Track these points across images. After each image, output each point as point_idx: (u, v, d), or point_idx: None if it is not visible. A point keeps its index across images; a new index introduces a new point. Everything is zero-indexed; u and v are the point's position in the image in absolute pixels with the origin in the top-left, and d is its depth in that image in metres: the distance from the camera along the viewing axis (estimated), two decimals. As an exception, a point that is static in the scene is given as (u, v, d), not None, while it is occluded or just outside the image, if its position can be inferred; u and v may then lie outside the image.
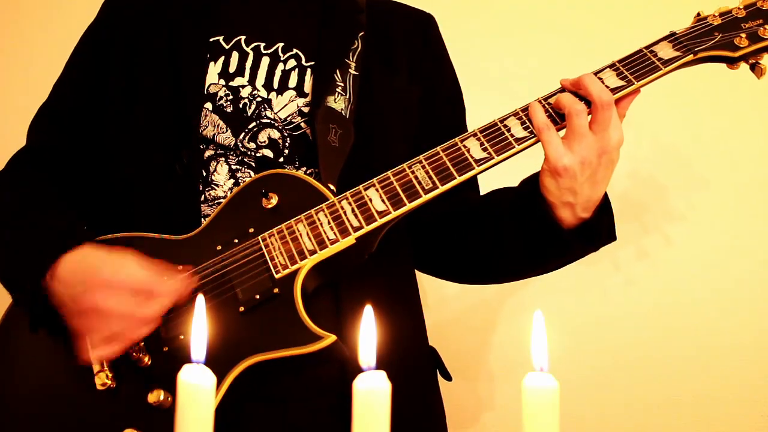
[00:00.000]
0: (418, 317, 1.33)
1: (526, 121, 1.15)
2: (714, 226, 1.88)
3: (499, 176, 1.27)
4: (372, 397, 0.57)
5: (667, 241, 1.86)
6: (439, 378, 1.36)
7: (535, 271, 1.29)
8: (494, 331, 1.91)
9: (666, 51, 1.17)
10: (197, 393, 0.59)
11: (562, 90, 1.17)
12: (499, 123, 1.16)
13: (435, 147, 1.17)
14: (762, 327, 1.83)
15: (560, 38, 1.96)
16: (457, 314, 1.89)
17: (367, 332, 0.61)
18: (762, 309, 1.83)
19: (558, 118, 1.14)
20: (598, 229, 1.17)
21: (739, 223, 1.87)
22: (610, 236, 1.19)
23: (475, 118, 1.36)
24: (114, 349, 1.06)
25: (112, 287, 1.04)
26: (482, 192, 1.41)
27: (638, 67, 1.16)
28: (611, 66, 1.17)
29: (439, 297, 1.39)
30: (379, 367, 0.59)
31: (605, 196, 1.17)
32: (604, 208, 1.18)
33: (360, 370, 0.59)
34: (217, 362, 1.04)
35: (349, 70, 1.31)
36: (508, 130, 1.15)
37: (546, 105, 1.15)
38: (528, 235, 1.18)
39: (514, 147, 1.14)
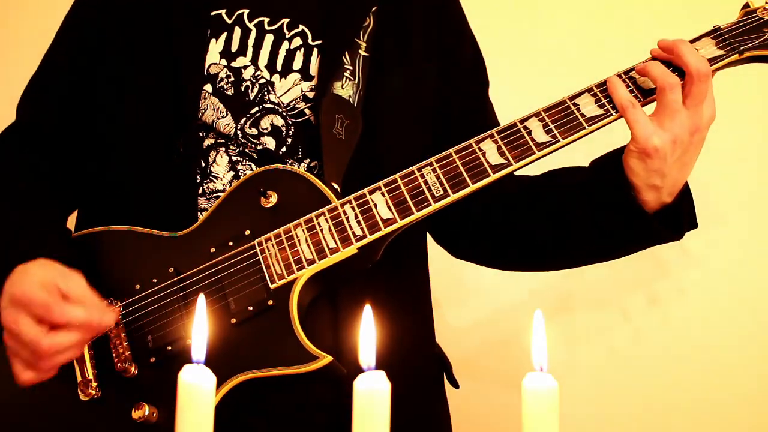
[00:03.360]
0: (425, 320, 1.26)
1: (549, 123, 1.05)
2: (729, 264, 1.77)
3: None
4: (372, 398, 0.56)
5: (671, 266, 1.76)
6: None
7: (602, 258, 1.20)
8: (494, 330, 1.85)
9: (708, 48, 1.06)
10: (198, 393, 0.58)
11: (650, 59, 1.07)
12: (519, 125, 1.06)
13: (457, 123, 1.07)
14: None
15: (575, 37, 1.83)
16: (457, 314, 1.83)
17: (367, 332, 0.60)
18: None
19: (640, 93, 1.04)
20: (680, 215, 1.07)
21: (762, 260, 1.76)
22: (691, 224, 1.10)
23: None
24: (31, 376, 0.97)
25: (16, 305, 0.96)
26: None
27: (674, 67, 1.04)
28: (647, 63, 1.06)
29: (437, 298, 1.33)
30: (380, 370, 0.57)
31: (685, 183, 1.08)
32: (684, 194, 1.08)
33: None
34: (207, 376, 0.98)
35: (359, 51, 1.21)
36: (529, 134, 1.05)
37: (627, 80, 1.05)
38: (606, 220, 1.09)
39: (534, 153, 1.04)
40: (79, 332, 0.97)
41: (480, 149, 1.06)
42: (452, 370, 1.29)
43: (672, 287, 1.76)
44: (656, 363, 1.78)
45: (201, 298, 0.66)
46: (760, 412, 1.74)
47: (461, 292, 1.36)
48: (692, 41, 1.07)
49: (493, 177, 1.04)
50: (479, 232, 1.29)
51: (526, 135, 1.05)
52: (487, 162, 1.05)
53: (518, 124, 1.06)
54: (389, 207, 1.04)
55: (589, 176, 1.13)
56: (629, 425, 1.79)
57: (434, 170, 1.05)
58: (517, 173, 1.27)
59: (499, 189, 1.20)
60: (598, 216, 1.10)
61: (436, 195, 1.04)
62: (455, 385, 1.29)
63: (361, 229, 1.04)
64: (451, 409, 1.29)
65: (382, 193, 1.05)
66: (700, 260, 1.74)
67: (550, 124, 1.05)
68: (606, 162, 1.10)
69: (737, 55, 1.05)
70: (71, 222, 1.23)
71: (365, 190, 1.06)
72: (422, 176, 1.05)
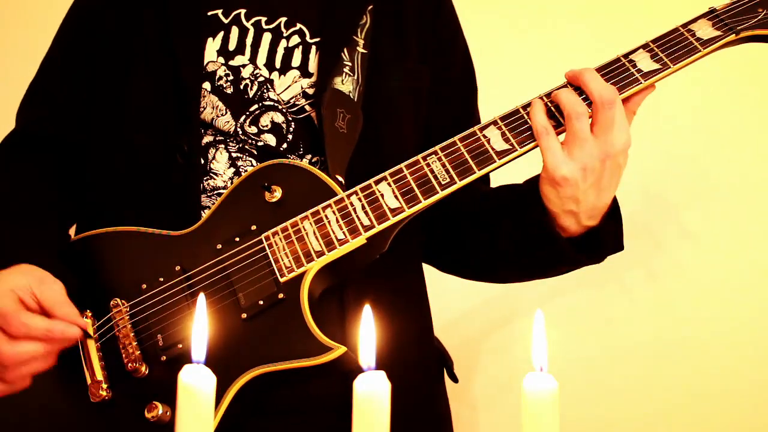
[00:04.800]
0: (426, 316, 1.26)
1: (552, 108, 1.05)
2: (731, 238, 1.77)
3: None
4: (372, 398, 0.56)
5: (668, 242, 1.76)
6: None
7: (536, 277, 1.22)
8: (494, 330, 1.85)
9: (705, 30, 1.07)
10: (197, 394, 0.57)
11: (566, 84, 1.06)
12: (522, 110, 1.07)
13: (444, 130, 1.08)
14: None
15: (578, 28, 1.84)
16: (456, 313, 1.83)
17: (367, 332, 0.59)
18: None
19: (561, 117, 1.03)
20: (603, 238, 1.08)
21: (761, 238, 1.76)
22: (616, 246, 1.10)
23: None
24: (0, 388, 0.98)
25: None
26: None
27: (674, 47, 1.06)
28: (644, 47, 1.07)
29: (438, 295, 1.33)
30: (385, 370, 0.57)
31: (614, 203, 1.08)
32: (613, 215, 1.09)
33: None
34: (219, 373, 0.96)
35: (357, 47, 1.21)
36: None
37: (549, 103, 1.05)
38: (526, 243, 1.11)
39: None
40: (41, 343, 0.97)
41: (485, 136, 1.06)
42: (453, 365, 1.29)
43: (669, 263, 1.76)
44: (654, 339, 1.78)
45: (201, 298, 0.66)
46: (758, 387, 1.74)
47: (452, 279, 1.36)
48: (689, 23, 1.08)
49: (499, 163, 1.04)
50: (439, 245, 1.30)
51: (529, 121, 1.05)
52: (492, 148, 1.05)
53: (521, 110, 1.07)
54: (396, 196, 1.04)
55: (515, 199, 1.14)
56: (626, 402, 1.78)
57: (440, 158, 1.05)
58: (473, 186, 1.27)
59: (452, 201, 1.21)
60: (520, 238, 1.12)
61: (443, 183, 1.04)
62: (455, 379, 1.29)
63: (369, 219, 1.03)
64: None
65: (389, 183, 1.05)
66: (697, 236, 1.74)
67: (553, 109, 1.05)
68: (529, 185, 1.11)
69: (734, 35, 1.06)
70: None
71: (371, 181, 1.06)
72: (428, 165, 1.05)
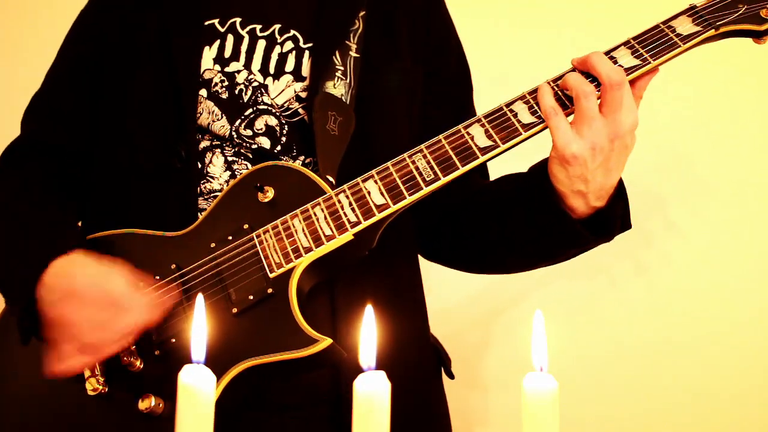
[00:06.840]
0: (421, 313, 1.28)
1: (534, 105, 1.08)
2: (719, 232, 1.78)
3: (509, 161, 1.20)
4: (372, 398, 0.57)
5: (656, 236, 1.76)
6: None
7: (545, 263, 1.23)
8: (493, 329, 1.85)
9: (685, 26, 1.08)
10: (197, 394, 0.58)
11: (573, 70, 1.09)
12: (505, 108, 1.09)
13: (442, 129, 1.10)
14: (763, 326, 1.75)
15: (568, 27, 1.86)
16: (455, 311, 1.84)
17: (368, 333, 0.60)
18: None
19: (567, 101, 1.06)
20: (612, 218, 1.09)
21: (748, 232, 1.76)
22: (624, 225, 1.12)
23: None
24: (84, 360, 1.02)
25: (83, 299, 1.00)
26: (492, 178, 1.34)
27: (655, 44, 1.08)
28: (625, 44, 1.09)
29: (436, 293, 1.34)
30: (380, 368, 0.58)
31: (620, 183, 1.10)
32: (619, 196, 1.10)
33: (355, 374, 0.58)
34: (209, 367, 0.99)
35: (350, 52, 1.25)
36: (515, 116, 1.08)
37: (555, 87, 1.07)
38: (537, 227, 1.12)
39: (521, 134, 1.06)
40: (141, 316, 1.03)
41: (468, 133, 1.08)
42: (450, 363, 1.31)
43: (657, 257, 1.76)
44: (643, 333, 1.78)
45: (199, 298, 0.67)
46: (747, 378, 1.73)
47: (442, 272, 1.37)
48: (669, 19, 1.09)
49: (482, 159, 1.06)
50: (441, 238, 1.32)
51: (512, 117, 1.08)
52: (476, 145, 1.07)
53: (504, 107, 1.09)
54: (382, 193, 1.07)
55: (522, 183, 1.16)
56: (615, 396, 1.78)
57: (425, 156, 1.08)
58: (471, 182, 1.29)
59: (452, 195, 1.23)
60: (530, 221, 1.13)
61: (427, 179, 1.06)
62: (450, 376, 1.31)
63: (356, 215, 1.06)
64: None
65: (375, 181, 1.08)
66: (685, 229, 1.74)
67: (535, 105, 1.08)
68: (536, 169, 1.13)
69: (713, 30, 1.07)
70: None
71: (358, 179, 1.09)
72: (413, 162, 1.08)
